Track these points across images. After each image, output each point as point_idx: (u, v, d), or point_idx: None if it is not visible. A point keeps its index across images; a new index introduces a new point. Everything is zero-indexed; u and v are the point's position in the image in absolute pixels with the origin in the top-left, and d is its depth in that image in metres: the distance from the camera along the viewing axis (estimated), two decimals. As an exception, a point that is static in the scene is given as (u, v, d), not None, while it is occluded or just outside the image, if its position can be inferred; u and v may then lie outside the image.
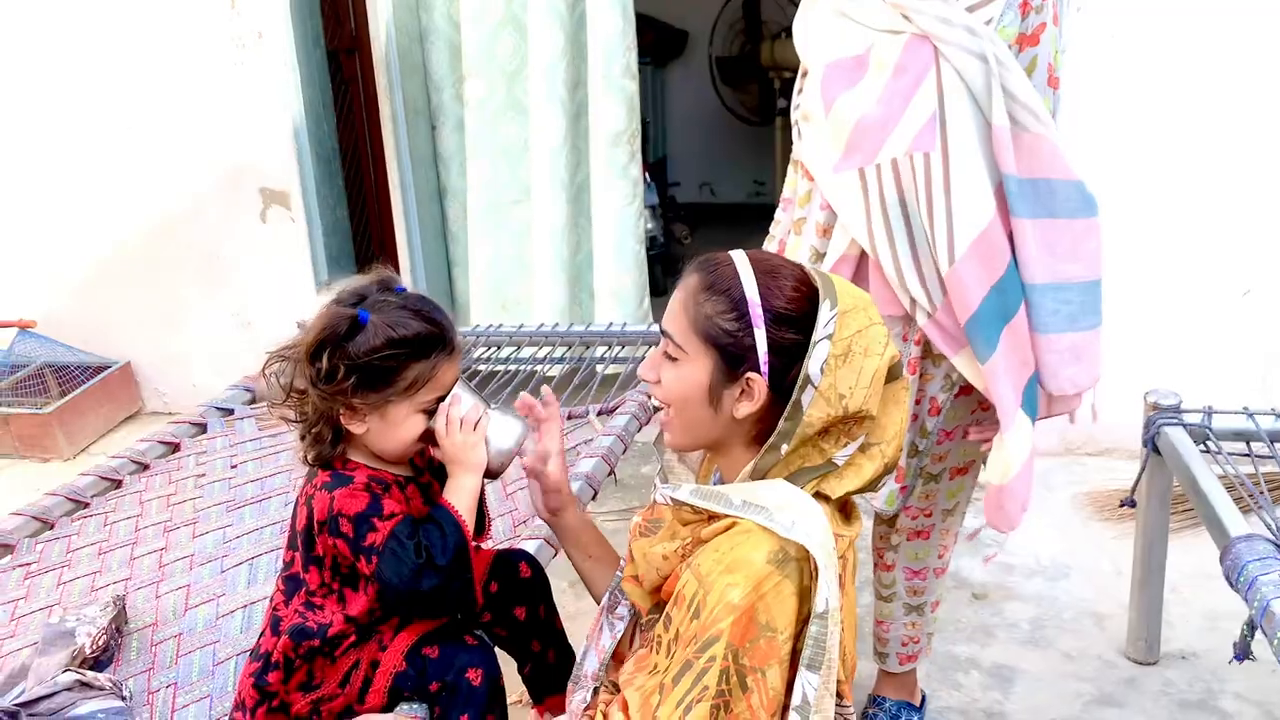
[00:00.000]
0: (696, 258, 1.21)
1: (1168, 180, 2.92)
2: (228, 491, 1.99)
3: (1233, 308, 2.98)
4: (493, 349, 2.70)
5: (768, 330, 1.12)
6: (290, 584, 1.29)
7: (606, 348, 2.66)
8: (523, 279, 3.41)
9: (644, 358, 2.61)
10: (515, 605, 1.41)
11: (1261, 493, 1.72)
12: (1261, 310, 2.96)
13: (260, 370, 1.27)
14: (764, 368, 1.13)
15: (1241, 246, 2.93)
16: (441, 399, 1.28)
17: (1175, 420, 1.95)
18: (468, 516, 1.25)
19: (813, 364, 1.11)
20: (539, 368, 2.58)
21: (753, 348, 1.13)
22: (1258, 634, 1.58)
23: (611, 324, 2.76)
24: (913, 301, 1.61)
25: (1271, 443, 1.93)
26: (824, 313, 1.12)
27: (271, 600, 1.30)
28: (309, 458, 1.27)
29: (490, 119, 3.29)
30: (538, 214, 3.28)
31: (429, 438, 1.28)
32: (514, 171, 3.32)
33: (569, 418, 2.24)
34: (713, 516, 1.15)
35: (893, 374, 1.17)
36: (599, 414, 2.21)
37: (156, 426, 2.44)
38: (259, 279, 3.61)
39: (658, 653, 1.14)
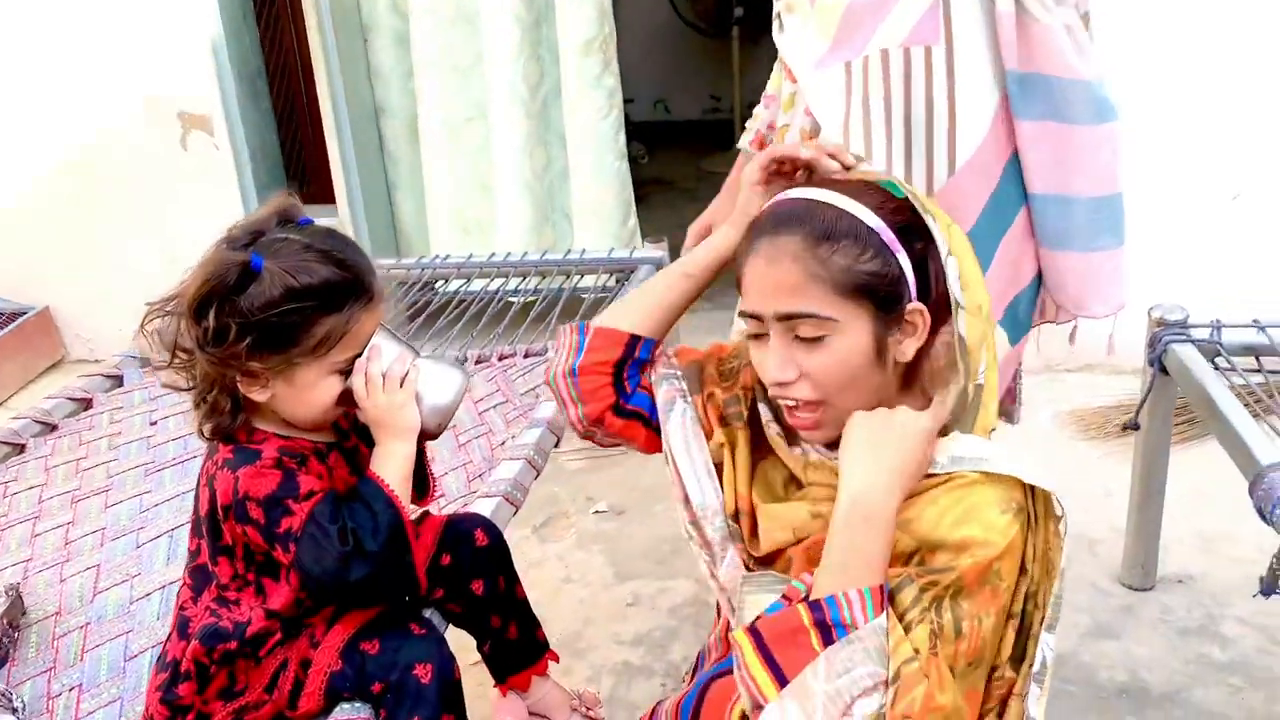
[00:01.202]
0: (764, 219, 1.03)
1: (1152, 82, 2.74)
2: (146, 452, 1.78)
3: (1220, 213, 2.83)
4: (439, 282, 2.48)
5: (905, 250, 1.00)
6: (198, 577, 1.10)
7: (565, 277, 2.45)
8: (484, 201, 3.18)
9: (610, 286, 2.43)
10: (471, 579, 1.24)
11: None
12: (1251, 214, 2.82)
13: (138, 327, 1.06)
14: (914, 291, 1.00)
15: (1229, 149, 2.77)
16: (360, 355, 1.08)
17: (1184, 336, 1.80)
18: (400, 489, 1.07)
19: (954, 284, 1.00)
20: (512, 298, 2.38)
21: (901, 277, 0.99)
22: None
23: (570, 250, 2.55)
24: None
25: (1283, 356, 1.79)
26: (933, 226, 1.01)
27: (178, 597, 1.12)
28: (205, 431, 1.07)
29: (437, 30, 3.02)
30: (495, 132, 3.04)
31: (350, 399, 1.09)
32: (466, 87, 3.06)
33: (526, 355, 2.05)
34: None
35: None
36: (558, 351, 2.01)
37: (75, 377, 2.21)
38: (184, 211, 3.32)
39: None
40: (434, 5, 2.98)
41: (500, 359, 2.05)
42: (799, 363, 0.99)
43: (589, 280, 2.45)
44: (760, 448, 1.13)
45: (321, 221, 1.13)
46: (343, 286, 1.04)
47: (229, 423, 1.06)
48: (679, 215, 4.72)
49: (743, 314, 1.03)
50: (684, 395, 1.16)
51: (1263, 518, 1.38)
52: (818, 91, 1.40)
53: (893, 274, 0.98)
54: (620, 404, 1.19)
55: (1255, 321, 1.86)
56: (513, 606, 1.29)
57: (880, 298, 0.98)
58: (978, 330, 1.01)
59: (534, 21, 2.99)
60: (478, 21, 2.97)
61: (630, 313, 1.21)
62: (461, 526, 1.26)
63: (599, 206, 3.12)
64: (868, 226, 0.98)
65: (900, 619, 0.94)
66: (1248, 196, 2.81)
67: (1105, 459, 2.64)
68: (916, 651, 0.93)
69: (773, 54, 1.57)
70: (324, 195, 3.29)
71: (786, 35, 1.45)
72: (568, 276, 2.45)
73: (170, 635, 1.11)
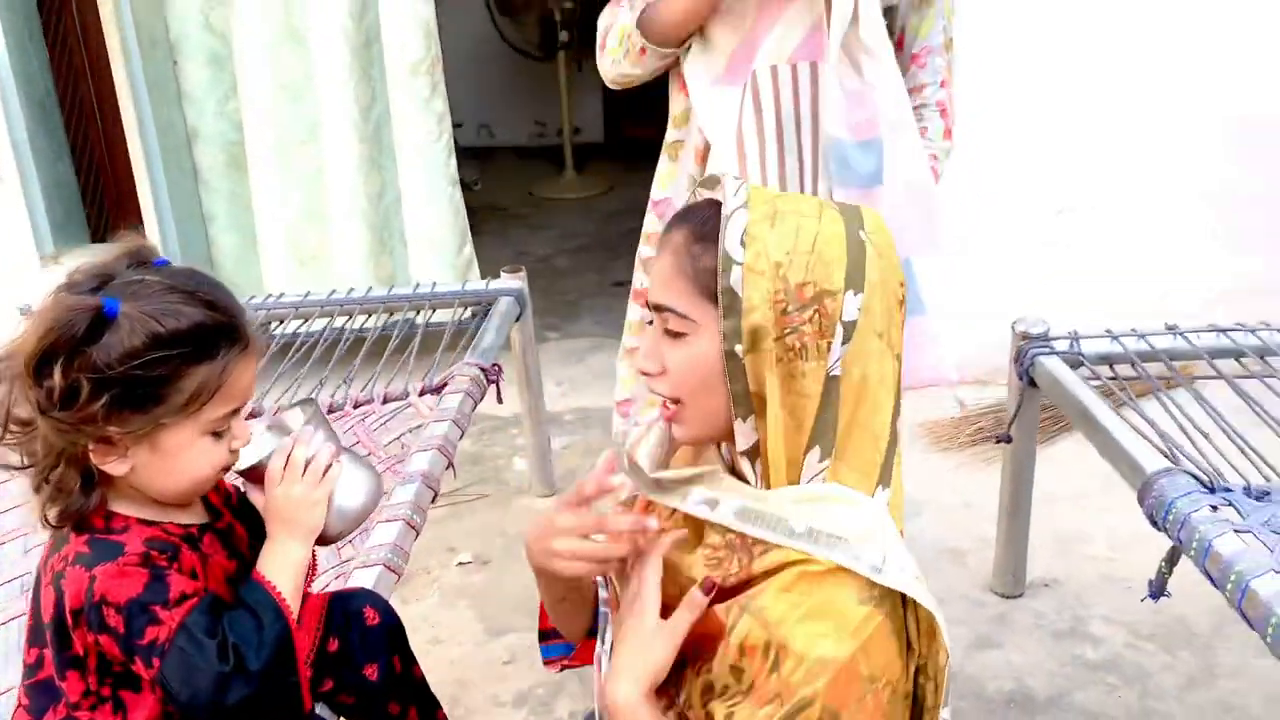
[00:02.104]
0: (677, 211, 0.98)
1: (986, 97, 2.85)
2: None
3: (1048, 226, 2.98)
4: (275, 324, 2.28)
5: None
6: (39, 695, 0.91)
7: (416, 312, 2.30)
8: (319, 230, 2.98)
9: (465, 320, 2.30)
10: (365, 664, 1.09)
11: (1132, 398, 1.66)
12: (1078, 228, 2.97)
13: None
14: None
15: (1055, 164, 2.92)
16: (237, 412, 0.94)
17: (1048, 349, 1.85)
18: (292, 598, 0.93)
19: (729, 239, 0.90)
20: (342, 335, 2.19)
21: None
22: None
23: (419, 285, 2.41)
24: None
25: (1137, 363, 1.86)
26: (729, 185, 0.93)
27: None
28: (50, 517, 0.89)
29: (265, 49, 2.81)
30: (328, 155, 2.86)
31: (255, 477, 0.95)
32: (298, 108, 2.87)
33: (384, 401, 1.89)
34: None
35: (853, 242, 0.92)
36: (422, 394, 1.87)
37: None
38: (-37, 255, 2.95)
39: (727, 702, 0.92)
40: (260, 23, 2.77)
41: (356, 406, 1.88)
42: (663, 357, 0.96)
43: (442, 315, 2.31)
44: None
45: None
46: (215, 331, 0.90)
47: (82, 504, 0.89)
48: (515, 243, 4.61)
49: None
50: None
51: (1154, 524, 1.41)
52: (713, 108, 1.36)
53: None
54: None
55: (1108, 331, 1.94)
56: (411, 689, 1.15)
57: None
58: (762, 291, 0.89)
59: (364, 42, 2.84)
60: (307, 41, 2.79)
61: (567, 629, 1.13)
62: (349, 605, 1.11)
63: (433, 234, 2.99)
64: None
65: None
66: (1073, 211, 2.97)
67: (959, 470, 2.71)
68: None
69: (597, 80, 1.54)
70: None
71: (691, 52, 1.40)
72: (418, 312, 2.31)
73: (3, 773, 0.91)
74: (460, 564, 2.37)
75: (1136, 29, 2.81)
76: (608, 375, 3.37)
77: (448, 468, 1.60)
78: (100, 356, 0.85)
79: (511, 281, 2.32)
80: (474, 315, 2.29)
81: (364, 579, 1.25)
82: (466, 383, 1.80)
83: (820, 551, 0.89)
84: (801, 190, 1.39)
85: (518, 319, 2.26)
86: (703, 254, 0.92)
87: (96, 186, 3.23)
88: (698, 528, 0.99)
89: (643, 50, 1.40)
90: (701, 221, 0.94)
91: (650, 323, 0.99)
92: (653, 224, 1.57)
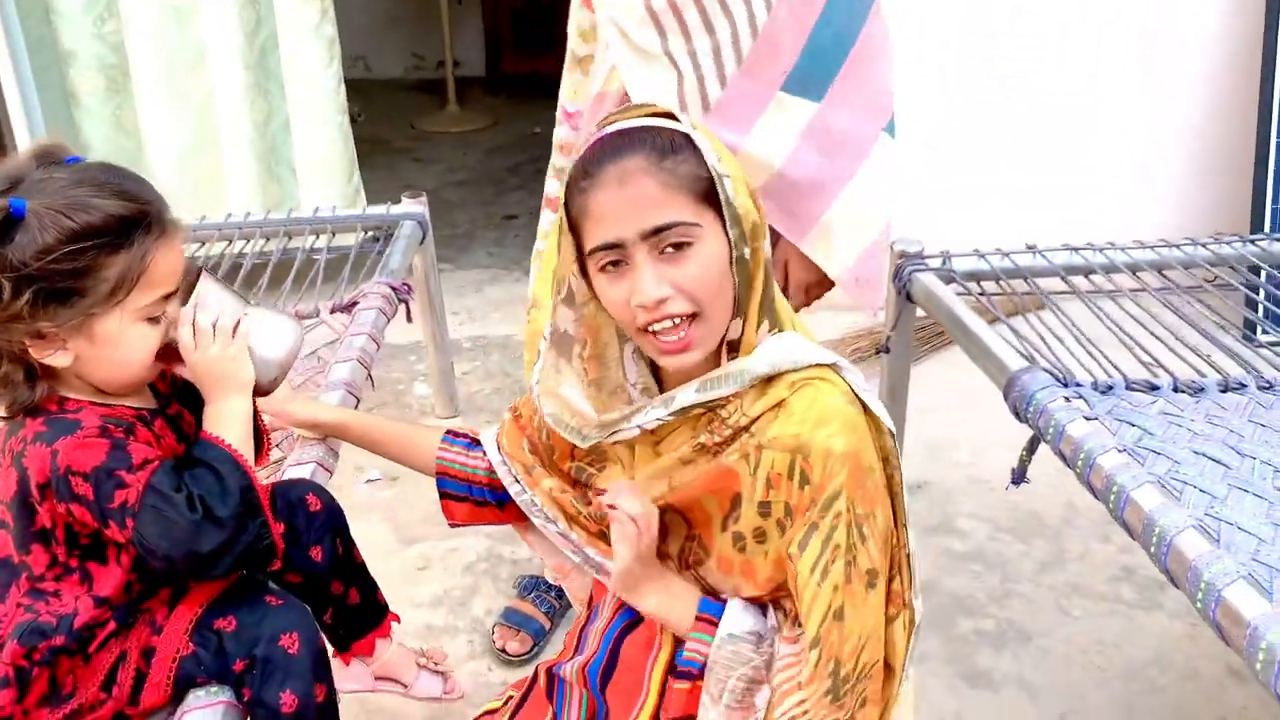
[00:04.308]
0: (593, 152, 1.00)
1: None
2: None
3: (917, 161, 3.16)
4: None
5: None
6: (1, 572, 0.95)
7: (315, 236, 2.31)
8: (211, 158, 2.91)
9: (368, 245, 2.32)
10: (310, 546, 1.16)
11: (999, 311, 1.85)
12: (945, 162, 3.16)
13: None
14: None
15: (925, 103, 3.09)
16: (170, 297, 0.98)
17: (924, 266, 2.01)
18: (244, 449, 0.98)
19: (710, 157, 0.99)
20: (242, 260, 2.19)
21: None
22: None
23: (319, 209, 2.41)
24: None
25: (1000, 279, 2.04)
26: (683, 117, 1.02)
27: (-25, 598, 0.96)
28: (3, 409, 0.93)
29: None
30: (217, 80, 2.80)
31: (172, 355, 0.98)
32: (184, 31, 2.79)
33: (302, 318, 1.91)
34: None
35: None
36: (333, 312, 1.90)
37: None
38: None
39: (762, 543, 1.04)
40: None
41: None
42: (669, 275, 0.97)
43: (342, 240, 2.32)
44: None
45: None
46: (129, 220, 0.93)
47: (28, 396, 0.93)
48: (401, 176, 4.55)
49: (598, 249, 0.99)
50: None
51: (1017, 416, 1.58)
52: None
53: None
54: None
55: (976, 251, 2.11)
56: (352, 570, 1.22)
57: (718, 205, 0.99)
58: (743, 197, 1.01)
59: (251, -37, 2.78)
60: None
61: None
62: (290, 493, 1.17)
63: (323, 162, 2.98)
64: (693, 140, 0.99)
65: (814, 570, 0.99)
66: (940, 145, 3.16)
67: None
68: (835, 588, 0.98)
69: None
70: None
71: None
72: (318, 236, 2.32)
73: (-27, 643, 0.95)
74: (369, 481, 2.42)
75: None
76: (505, 304, 3.44)
77: (367, 378, 1.65)
78: (15, 255, 0.88)
79: (413, 206, 2.35)
80: (375, 240, 2.32)
81: (300, 475, 1.31)
82: (379, 300, 1.85)
83: (788, 367, 1.01)
84: (751, 14, 1.44)
85: (420, 243, 2.30)
86: (678, 165, 0.97)
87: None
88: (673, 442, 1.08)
89: None
90: (653, 140, 0.97)
91: (612, 267, 0.99)
92: (566, 134, 1.61)
